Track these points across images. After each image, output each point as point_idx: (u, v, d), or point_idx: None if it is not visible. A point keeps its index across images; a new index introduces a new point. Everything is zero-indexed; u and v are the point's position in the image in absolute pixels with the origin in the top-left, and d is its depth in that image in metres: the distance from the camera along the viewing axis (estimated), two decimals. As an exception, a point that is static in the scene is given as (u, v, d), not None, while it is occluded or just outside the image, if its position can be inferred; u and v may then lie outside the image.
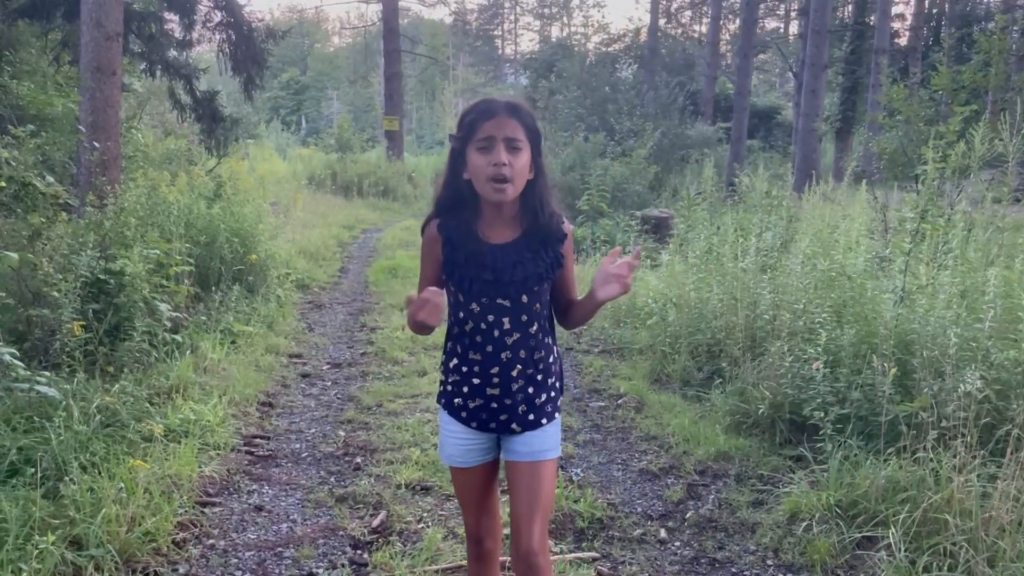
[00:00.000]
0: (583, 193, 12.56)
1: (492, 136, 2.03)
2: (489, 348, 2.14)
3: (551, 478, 2.23)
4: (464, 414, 2.22)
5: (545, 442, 2.22)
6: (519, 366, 2.16)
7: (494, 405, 2.18)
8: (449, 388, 2.24)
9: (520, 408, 2.18)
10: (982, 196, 5.09)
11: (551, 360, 2.24)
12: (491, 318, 2.12)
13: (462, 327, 2.16)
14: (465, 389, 2.20)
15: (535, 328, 2.16)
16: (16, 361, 3.71)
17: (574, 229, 2.34)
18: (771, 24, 42.13)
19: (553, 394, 2.25)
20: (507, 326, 2.12)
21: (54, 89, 7.63)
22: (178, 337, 5.33)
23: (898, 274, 4.45)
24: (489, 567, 2.40)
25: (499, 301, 2.11)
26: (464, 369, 2.19)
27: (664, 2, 33.39)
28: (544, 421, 2.21)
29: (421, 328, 2.05)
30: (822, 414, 3.78)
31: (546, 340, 2.22)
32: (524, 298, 2.12)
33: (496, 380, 2.15)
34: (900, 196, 6.74)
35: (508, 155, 2.03)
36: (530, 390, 2.18)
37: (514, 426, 2.19)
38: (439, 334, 2.27)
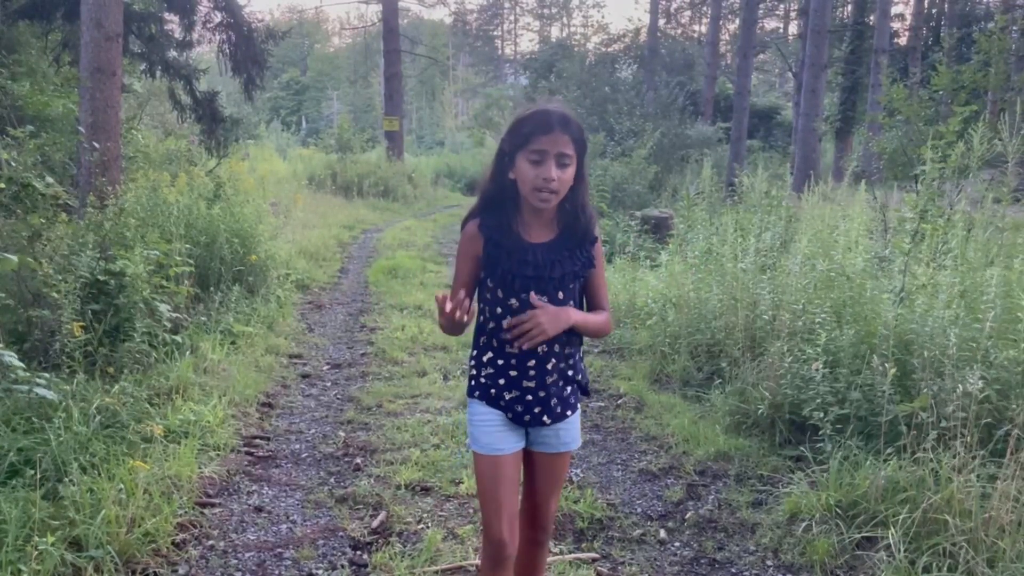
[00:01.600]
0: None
1: (545, 151, 2.13)
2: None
3: (567, 467, 2.49)
4: (501, 403, 2.29)
5: (572, 434, 2.38)
6: (554, 360, 2.27)
7: (529, 397, 2.27)
8: (485, 380, 2.31)
9: (553, 401, 2.29)
10: (982, 196, 5.09)
11: (578, 356, 2.37)
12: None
13: (499, 323, 2.25)
14: (501, 381, 2.28)
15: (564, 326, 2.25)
16: (16, 362, 3.71)
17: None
18: (771, 24, 42.12)
19: (575, 386, 2.37)
20: None
21: (54, 90, 7.63)
22: (178, 338, 5.33)
23: (898, 274, 4.45)
24: (507, 572, 2.34)
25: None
26: (500, 363, 2.27)
27: (664, 2, 33.40)
28: (569, 413, 2.35)
29: (454, 328, 2.14)
30: (822, 414, 3.78)
31: (576, 337, 2.33)
32: (560, 294, 2.24)
33: (532, 373, 2.26)
34: (900, 196, 6.74)
35: (557, 170, 2.14)
36: (561, 383, 2.30)
37: (546, 418, 2.29)
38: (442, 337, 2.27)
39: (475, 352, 2.36)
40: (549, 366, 2.27)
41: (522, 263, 2.21)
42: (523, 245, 2.22)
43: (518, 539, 2.36)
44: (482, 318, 2.31)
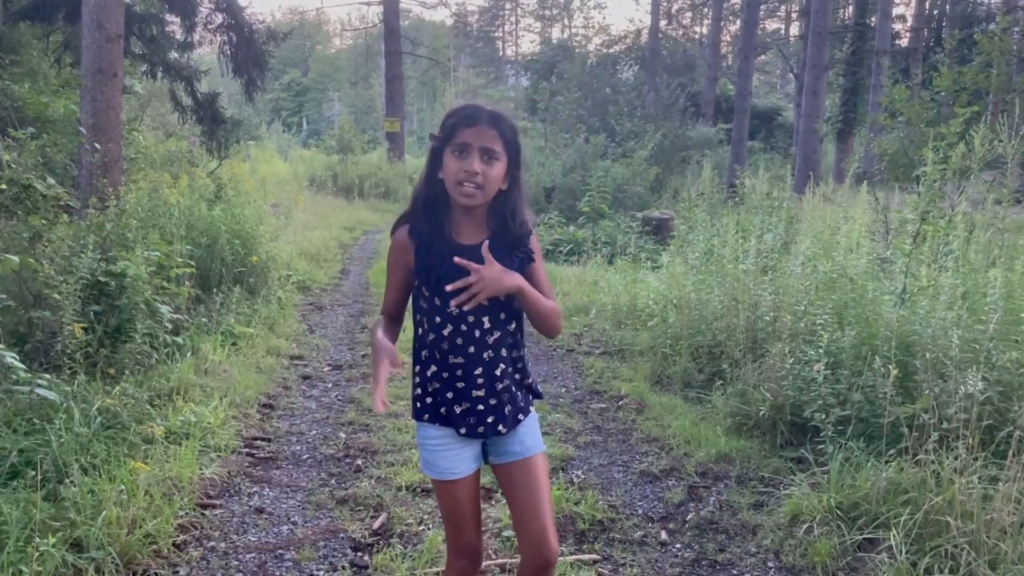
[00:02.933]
0: (584, 194, 12.57)
1: (469, 144, 2.04)
2: (471, 349, 2.11)
3: (546, 472, 2.25)
4: (452, 418, 2.16)
5: (532, 437, 2.23)
6: (502, 365, 2.15)
7: (480, 407, 2.14)
8: (431, 399, 2.18)
9: (507, 408, 2.16)
10: (983, 197, 5.09)
11: (526, 358, 2.26)
12: (471, 318, 2.10)
13: (439, 332, 2.12)
14: (449, 395, 2.15)
15: (514, 326, 2.18)
16: (17, 363, 3.71)
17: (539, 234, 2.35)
18: (772, 25, 42.17)
19: (525, 390, 2.25)
20: (487, 324, 2.12)
21: (55, 91, 7.64)
22: (179, 339, 5.33)
23: (899, 275, 4.45)
24: None
25: None
26: (445, 375, 2.14)
27: (665, 4, 33.40)
28: (522, 417, 2.21)
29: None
30: (823, 416, 3.78)
31: (521, 338, 2.23)
32: (502, 296, 2.10)
33: (481, 381, 2.13)
34: (901, 197, 6.74)
35: (482, 164, 2.04)
36: (512, 388, 2.18)
37: (501, 427, 2.16)
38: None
39: (417, 368, 2.20)
40: (498, 371, 2.14)
41: (454, 267, 2.05)
42: (455, 248, 2.09)
43: (519, 569, 2.27)
44: (420, 331, 2.18)
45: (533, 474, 2.21)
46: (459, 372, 2.13)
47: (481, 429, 2.16)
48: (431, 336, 2.14)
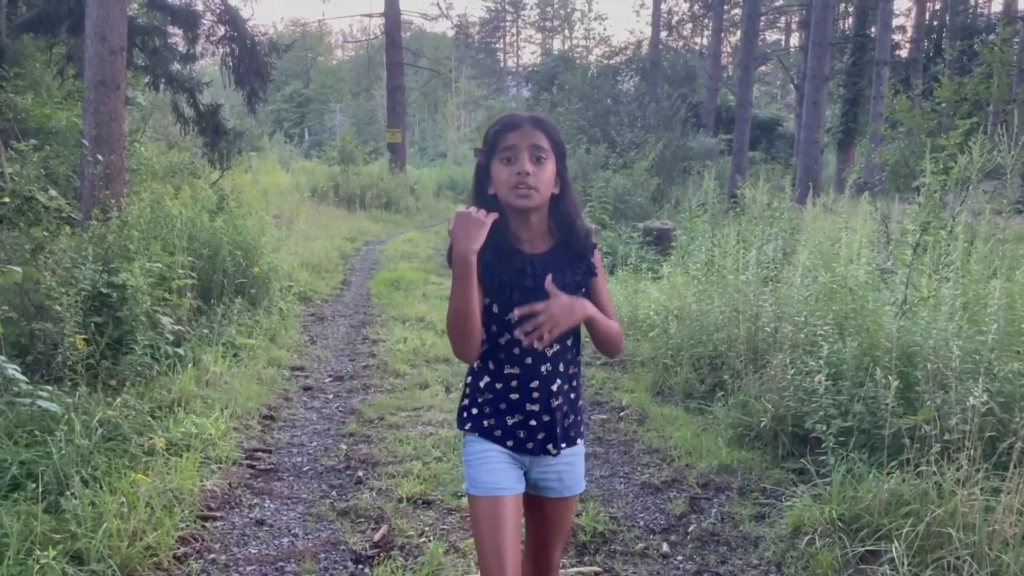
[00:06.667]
0: (585, 205, 12.58)
1: (515, 145, 1.99)
2: (529, 360, 2.04)
3: (573, 513, 2.27)
4: (499, 432, 2.08)
5: (576, 475, 2.17)
6: (558, 380, 2.07)
7: (533, 422, 2.06)
8: (479, 410, 2.10)
9: (558, 428, 2.08)
10: (983, 208, 5.09)
11: (581, 378, 2.17)
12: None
13: (495, 341, 2.05)
14: (502, 406, 2.07)
15: (571, 341, 2.10)
16: (19, 375, 3.72)
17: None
18: (772, 36, 42.28)
19: (580, 416, 2.17)
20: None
21: (58, 102, 7.67)
22: (180, 350, 5.34)
23: (900, 286, 4.45)
24: None
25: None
26: (499, 386, 2.06)
27: (665, 15, 33.50)
28: (574, 438, 2.14)
29: (460, 309, 1.93)
30: (824, 427, 3.77)
31: (578, 356, 2.15)
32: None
33: (536, 395, 2.05)
34: (902, 208, 6.74)
35: (533, 165, 1.99)
36: (566, 408, 2.10)
37: (550, 447, 2.08)
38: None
39: (470, 379, 2.13)
40: (554, 387, 2.06)
41: (520, 273, 2.02)
42: (520, 255, 2.04)
43: None
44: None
45: (562, 514, 2.19)
46: (514, 383, 2.05)
47: (531, 445, 2.08)
48: (486, 345, 2.07)
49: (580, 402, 2.17)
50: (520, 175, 1.98)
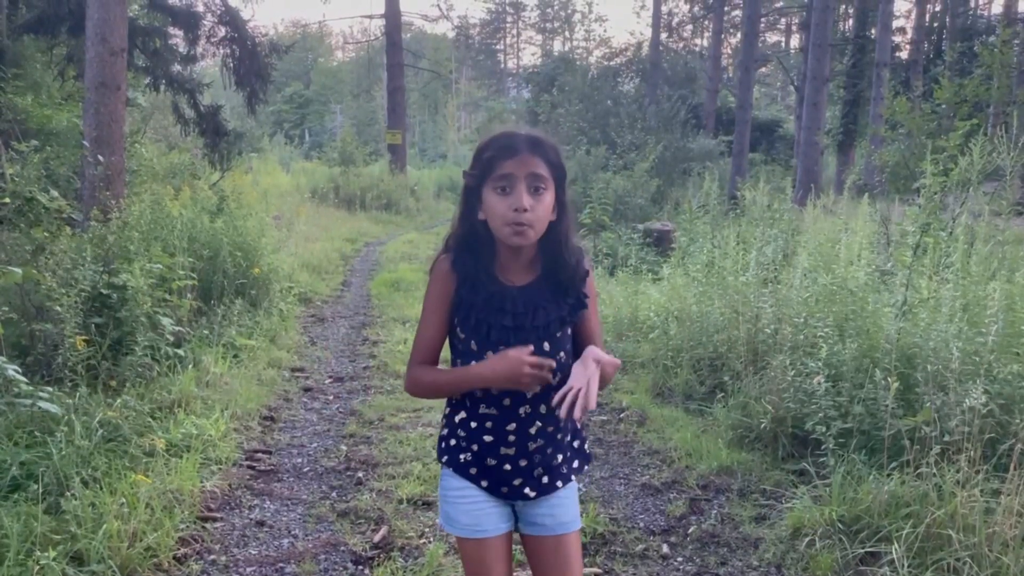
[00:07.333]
0: (585, 206, 12.58)
1: (512, 175, 1.81)
2: (506, 401, 1.90)
3: (579, 553, 2.02)
4: (474, 471, 1.95)
5: (567, 511, 2.00)
6: (538, 423, 1.91)
7: (507, 467, 1.93)
8: (456, 442, 1.97)
9: (536, 471, 1.94)
10: (983, 209, 5.09)
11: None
12: None
13: None
14: (475, 447, 1.93)
15: (557, 379, 1.87)
16: (19, 376, 3.72)
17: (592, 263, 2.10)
18: (772, 38, 42.32)
19: (570, 454, 2.00)
20: None
21: (58, 104, 7.67)
22: (180, 351, 5.34)
23: (900, 287, 4.45)
24: None
25: None
26: (473, 425, 1.93)
27: (666, 16, 33.53)
28: (559, 484, 1.98)
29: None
30: (824, 428, 3.77)
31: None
32: (546, 345, 1.90)
33: (512, 439, 1.91)
34: (902, 209, 6.74)
35: (530, 198, 1.81)
36: (548, 450, 1.94)
37: (528, 491, 1.94)
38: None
39: (448, 411, 2.00)
40: (532, 429, 1.90)
41: (499, 311, 1.87)
42: (501, 289, 1.88)
43: None
44: None
45: (564, 554, 1.98)
46: (488, 424, 1.92)
47: (505, 490, 1.95)
48: None
49: (569, 438, 2.00)
50: (517, 211, 1.81)
